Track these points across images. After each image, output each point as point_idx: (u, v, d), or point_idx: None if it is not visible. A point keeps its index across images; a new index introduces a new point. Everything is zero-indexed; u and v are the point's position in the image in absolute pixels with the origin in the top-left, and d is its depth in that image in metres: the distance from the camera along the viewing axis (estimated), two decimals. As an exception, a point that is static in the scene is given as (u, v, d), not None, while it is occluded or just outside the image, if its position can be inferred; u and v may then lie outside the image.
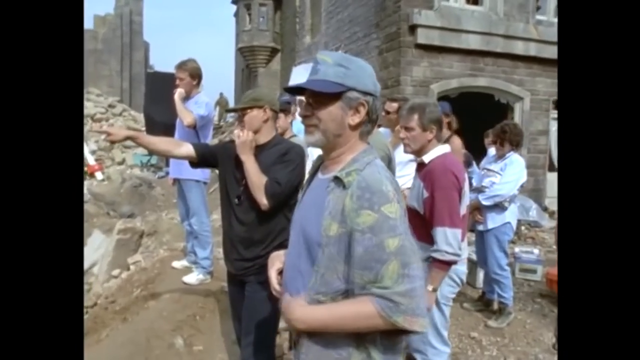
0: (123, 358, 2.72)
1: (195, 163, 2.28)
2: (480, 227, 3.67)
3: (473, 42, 8.05)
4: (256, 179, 2.02)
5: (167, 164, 11.76)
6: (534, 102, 8.86)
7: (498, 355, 3.24)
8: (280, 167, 2.06)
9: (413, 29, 7.72)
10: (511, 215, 3.66)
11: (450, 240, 2.03)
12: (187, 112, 3.44)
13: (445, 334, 2.32)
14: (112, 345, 2.94)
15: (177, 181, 3.77)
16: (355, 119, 1.20)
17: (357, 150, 1.23)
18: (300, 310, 1.16)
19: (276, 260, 1.43)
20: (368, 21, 8.92)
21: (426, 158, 2.23)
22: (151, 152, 2.39)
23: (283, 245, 2.06)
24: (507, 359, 3.19)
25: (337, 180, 1.17)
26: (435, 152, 2.24)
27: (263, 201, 2.00)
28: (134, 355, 2.76)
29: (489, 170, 3.78)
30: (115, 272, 4.56)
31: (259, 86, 18.89)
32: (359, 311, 1.08)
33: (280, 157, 2.09)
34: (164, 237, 5.16)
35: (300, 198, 1.36)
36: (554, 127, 9.31)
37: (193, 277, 3.65)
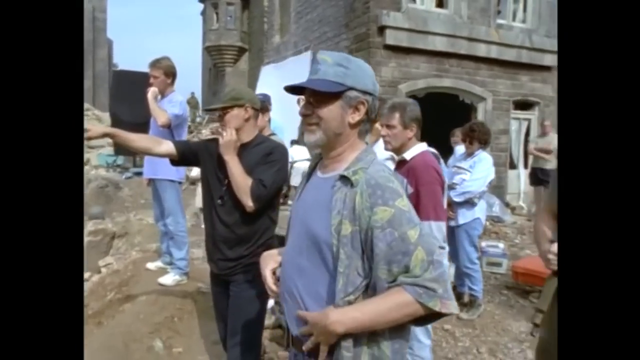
0: (101, 362, 2.67)
1: (175, 161, 2.23)
2: (452, 223, 3.80)
3: (439, 44, 8.29)
4: (241, 180, 1.99)
5: (135, 165, 11.47)
6: (496, 103, 9.21)
7: (471, 346, 3.38)
8: (265, 168, 2.04)
9: (382, 30, 7.87)
10: (480, 211, 3.83)
11: (436, 232, 2.13)
12: (162, 111, 3.39)
13: (429, 326, 2.41)
14: (87, 350, 2.87)
15: (151, 181, 3.72)
16: (355, 118, 1.22)
17: (358, 149, 1.25)
18: (336, 313, 1.12)
19: (270, 260, 1.43)
20: (337, 22, 9.02)
21: (407, 155, 2.32)
22: (130, 150, 2.27)
23: (267, 244, 2.09)
24: (480, 349, 3.34)
25: (343, 179, 1.18)
26: (416, 149, 2.33)
27: (248, 203, 1.98)
28: None
29: (459, 167, 3.93)
30: (86, 275, 4.43)
31: (227, 85, 18.69)
32: (397, 302, 1.09)
33: (265, 156, 2.07)
34: (136, 239, 5.06)
35: (298, 196, 1.37)
36: (514, 126, 9.72)
37: (169, 278, 3.61)
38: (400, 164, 2.39)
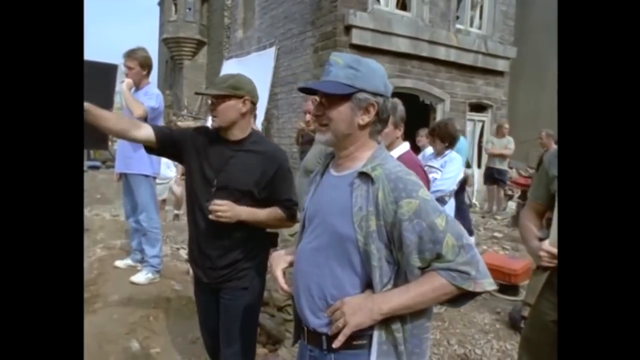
0: (76, 365, 2.56)
1: (152, 149, 1.95)
2: None
3: (402, 45, 8.50)
4: (272, 222, 1.88)
5: (89, 158, 10.93)
6: (453, 104, 9.57)
7: (441, 339, 3.53)
8: (284, 186, 1.93)
9: (348, 29, 7.96)
10: (450, 209, 3.97)
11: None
12: (137, 103, 3.27)
13: None
14: (59, 352, 2.75)
15: (123, 176, 3.59)
16: (365, 119, 1.25)
17: (372, 148, 1.29)
18: (379, 295, 1.18)
19: (280, 260, 1.45)
20: (304, 19, 9.01)
21: (394, 153, 2.39)
22: (101, 131, 1.98)
23: (261, 247, 1.96)
24: (450, 341, 3.50)
25: (362, 176, 1.22)
26: (402, 148, 2.41)
27: (290, 227, 1.92)
28: (88, 361, 2.62)
29: (430, 167, 4.07)
30: (47, 275, 4.20)
31: (185, 79, 18.17)
32: (433, 285, 1.15)
33: (272, 166, 1.90)
34: (98, 235, 4.84)
35: (311, 194, 1.38)
36: (469, 127, 10.15)
37: (142, 277, 3.50)
38: None
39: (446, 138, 3.98)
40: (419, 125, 6.43)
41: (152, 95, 3.36)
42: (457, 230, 1.17)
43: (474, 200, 9.89)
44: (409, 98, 9.05)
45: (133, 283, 3.47)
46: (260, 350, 3.13)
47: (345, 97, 1.24)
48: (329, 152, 1.42)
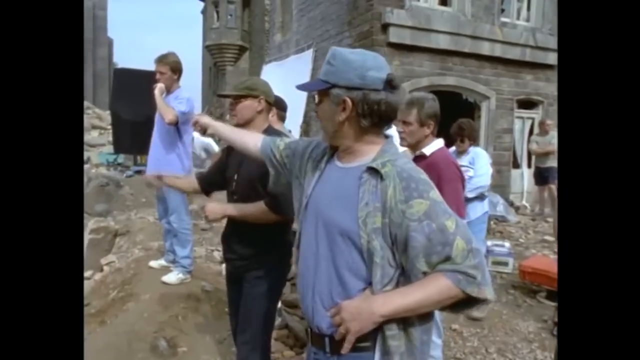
0: (105, 362, 2.62)
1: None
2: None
3: (442, 42, 8.23)
4: (257, 214, 1.91)
5: (135, 163, 11.42)
6: (499, 101, 9.15)
7: (479, 346, 3.33)
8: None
9: (385, 27, 7.81)
10: (487, 204, 3.84)
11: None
12: (169, 108, 3.34)
13: (441, 325, 2.37)
14: (91, 350, 2.82)
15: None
16: (342, 116, 1.20)
17: (376, 142, 1.24)
18: (380, 296, 1.14)
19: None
20: (340, 19, 8.95)
21: (427, 150, 2.29)
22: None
23: (283, 241, 2.03)
24: (488, 349, 3.29)
25: (371, 170, 1.18)
26: (435, 145, 2.30)
27: (280, 219, 1.92)
28: (116, 359, 2.67)
29: (461, 165, 3.90)
30: (88, 273, 4.38)
31: (228, 84, 18.65)
32: (438, 287, 1.10)
33: None
34: (138, 237, 5.00)
35: (313, 185, 1.32)
36: (517, 125, 9.67)
37: (173, 277, 3.55)
38: (418, 160, 2.34)
39: (473, 136, 3.92)
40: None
41: (182, 100, 3.41)
42: (466, 234, 1.14)
43: (523, 202, 9.42)
44: (451, 96, 8.78)
45: (165, 283, 3.52)
46: (287, 353, 3.09)
47: (325, 94, 1.22)
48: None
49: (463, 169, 3.79)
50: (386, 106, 1.19)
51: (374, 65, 1.18)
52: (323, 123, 1.26)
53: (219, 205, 1.97)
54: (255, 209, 1.93)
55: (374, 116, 1.19)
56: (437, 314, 2.34)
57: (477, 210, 3.72)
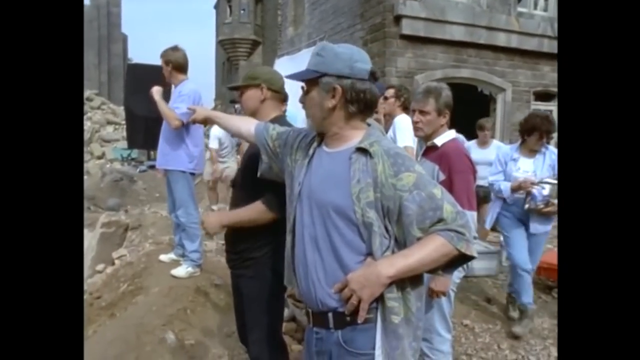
0: (113, 355, 2.62)
1: None
2: (539, 229, 3.35)
3: (457, 34, 8.07)
4: (254, 215, 1.86)
5: (149, 158, 11.54)
6: (516, 94, 8.95)
7: (491, 342, 3.26)
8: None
9: (398, 19, 7.69)
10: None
11: (470, 222, 2.04)
12: (170, 112, 3.32)
13: (450, 320, 2.32)
14: (100, 342, 2.84)
15: (166, 172, 3.66)
16: (332, 102, 1.30)
17: (361, 128, 1.35)
18: (384, 260, 1.23)
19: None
20: (352, 12, 8.85)
21: (438, 141, 2.24)
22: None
23: (275, 241, 1.88)
24: (501, 345, 3.22)
25: (361, 151, 1.28)
26: (447, 135, 2.25)
27: (277, 217, 1.84)
28: (125, 352, 2.67)
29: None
30: (100, 267, 4.42)
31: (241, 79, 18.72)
32: (435, 245, 1.22)
33: None
34: (149, 231, 5.04)
35: (305, 172, 1.39)
36: (535, 118, 9.46)
37: (182, 271, 3.56)
38: (430, 150, 2.29)
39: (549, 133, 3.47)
40: (477, 118, 6.00)
41: (184, 97, 3.37)
42: (451, 199, 1.28)
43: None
44: (466, 89, 8.62)
45: (174, 276, 3.53)
46: (295, 347, 3.07)
47: (314, 83, 1.32)
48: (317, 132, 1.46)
49: (520, 175, 3.29)
50: (370, 95, 1.32)
51: (360, 58, 1.31)
52: (311, 111, 1.35)
53: (215, 218, 1.96)
54: (251, 211, 1.88)
55: (360, 103, 1.31)
56: (446, 308, 2.28)
57: (546, 224, 3.37)
